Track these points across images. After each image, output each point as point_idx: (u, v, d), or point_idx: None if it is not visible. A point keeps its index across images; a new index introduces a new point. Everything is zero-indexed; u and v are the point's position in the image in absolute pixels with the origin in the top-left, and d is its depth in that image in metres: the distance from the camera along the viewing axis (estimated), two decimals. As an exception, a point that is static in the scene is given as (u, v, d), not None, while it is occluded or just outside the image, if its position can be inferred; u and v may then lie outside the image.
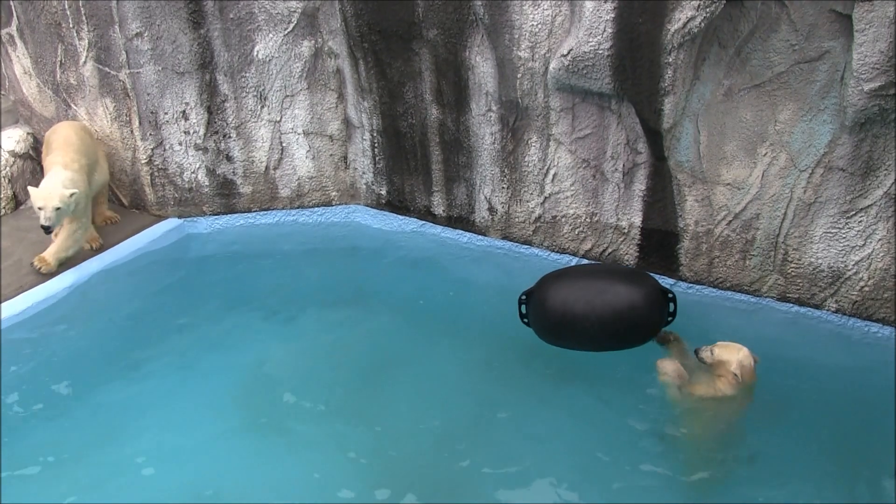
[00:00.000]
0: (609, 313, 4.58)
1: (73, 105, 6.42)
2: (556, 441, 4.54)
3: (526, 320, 4.89)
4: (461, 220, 6.24)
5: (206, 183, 6.44)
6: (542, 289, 4.81)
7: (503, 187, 5.87)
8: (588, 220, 5.67)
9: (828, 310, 5.11)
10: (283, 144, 6.43)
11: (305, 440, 4.56)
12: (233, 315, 5.64)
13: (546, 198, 5.74)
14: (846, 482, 4.22)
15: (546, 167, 5.63)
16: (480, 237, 6.19)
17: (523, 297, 4.85)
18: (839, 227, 4.86)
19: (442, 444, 4.52)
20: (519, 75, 5.38)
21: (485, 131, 5.75)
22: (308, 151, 6.48)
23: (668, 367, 4.49)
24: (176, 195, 6.47)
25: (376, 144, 6.30)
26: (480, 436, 4.58)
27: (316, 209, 6.69)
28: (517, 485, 4.26)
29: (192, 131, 6.25)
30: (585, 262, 5.80)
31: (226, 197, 6.53)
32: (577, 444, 4.49)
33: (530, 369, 5.09)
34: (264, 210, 6.64)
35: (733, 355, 4.32)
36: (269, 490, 4.23)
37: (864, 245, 4.83)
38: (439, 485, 4.26)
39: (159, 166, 6.35)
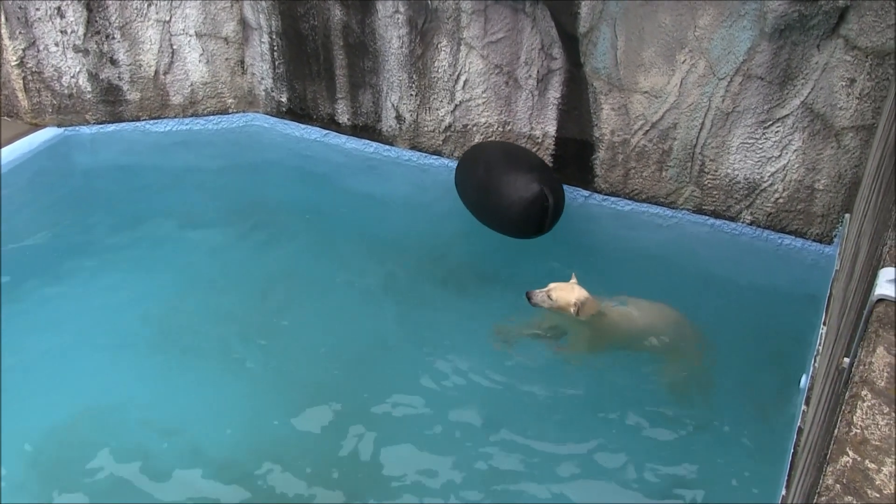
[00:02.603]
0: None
1: (-73, -2, 5.74)
2: (464, 350, 4.46)
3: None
4: (367, 130, 5.94)
5: (89, 88, 5.91)
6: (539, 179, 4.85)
7: (411, 94, 5.57)
8: (501, 129, 5.45)
9: (742, 222, 5.06)
10: (174, 47, 5.94)
11: (206, 360, 4.40)
12: (124, 233, 5.33)
13: (456, 105, 5.49)
14: (756, 391, 4.26)
15: (456, 73, 5.36)
16: (387, 147, 5.96)
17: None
18: (756, 138, 4.76)
19: (343, 362, 4.36)
20: (428, -28, 5.03)
21: (392, 34, 5.42)
22: (201, 55, 6.01)
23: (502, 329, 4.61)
24: (54, 102, 5.92)
25: (275, 48, 5.88)
26: (385, 352, 4.46)
27: (211, 117, 6.28)
28: (426, 397, 4.18)
29: (69, 31, 5.68)
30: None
31: (111, 104, 6.03)
32: (487, 357, 4.40)
33: (440, 282, 4.98)
34: (155, 119, 6.19)
35: (571, 295, 4.32)
36: (172, 410, 4.06)
37: (779, 156, 4.75)
38: (344, 403, 4.12)
39: (33, 69, 5.77)
